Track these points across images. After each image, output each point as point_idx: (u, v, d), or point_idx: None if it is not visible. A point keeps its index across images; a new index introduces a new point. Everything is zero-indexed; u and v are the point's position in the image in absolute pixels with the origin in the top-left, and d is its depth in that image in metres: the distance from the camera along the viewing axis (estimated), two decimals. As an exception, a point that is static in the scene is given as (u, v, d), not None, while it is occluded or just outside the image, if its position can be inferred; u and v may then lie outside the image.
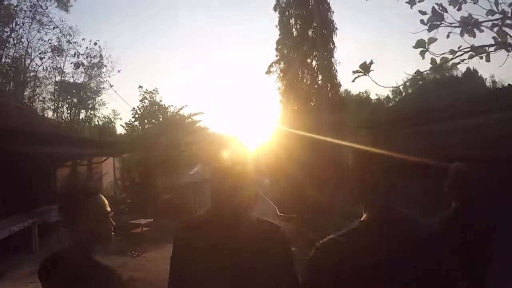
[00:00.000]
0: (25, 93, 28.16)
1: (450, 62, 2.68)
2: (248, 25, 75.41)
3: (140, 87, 18.89)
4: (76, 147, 13.29)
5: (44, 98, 29.65)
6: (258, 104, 68.57)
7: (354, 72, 2.66)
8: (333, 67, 15.92)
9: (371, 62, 2.63)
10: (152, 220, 13.68)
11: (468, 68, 33.77)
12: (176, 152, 18.23)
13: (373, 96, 38.56)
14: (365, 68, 2.63)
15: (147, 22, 66.07)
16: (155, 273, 8.80)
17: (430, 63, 2.68)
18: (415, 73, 2.83)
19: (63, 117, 30.62)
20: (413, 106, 13.14)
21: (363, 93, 37.82)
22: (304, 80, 16.70)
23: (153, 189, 17.67)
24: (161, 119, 18.34)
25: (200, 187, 26.85)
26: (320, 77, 16.00)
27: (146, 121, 18.22)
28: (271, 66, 19.33)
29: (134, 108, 18.21)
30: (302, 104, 16.47)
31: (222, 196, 1.66)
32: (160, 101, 19.34)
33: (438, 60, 2.69)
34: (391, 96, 39.88)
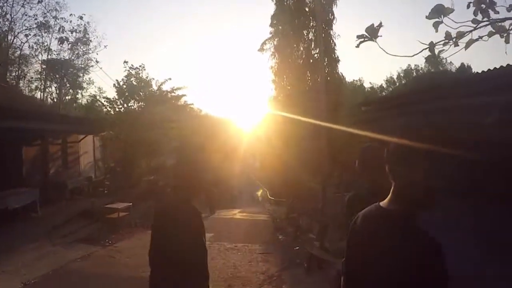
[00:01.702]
0: (13, 73, 26.88)
1: (467, 38, 2.28)
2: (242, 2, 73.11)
3: (125, 62, 17.28)
4: (47, 123, 11.77)
5: (32, 78, 28.86)
6: (249, 85, 67.43)
7: (358, 37, 2.29)
8: (332, 41, 14.40)
9: (380, 25, 2.24)
10: (131, 204, 12.38)
11: (462, 64, 33.76)
12: (160, 131, 16.80)
13: (367, 85, 38.22)
14: (372, 32, 2.25)
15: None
16: (122, 268, 7.59)
17: (445, 37, 2.30)
18: (429, 44, 2.33)
19: (51, 97, 29.48)
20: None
21: (357, 80, 37.23)
22: (299, 54, 15.17)
23: (137, 170, 16.25)
24: (141, 94, 16.68)
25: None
26: (316, 51, 14.46)
27: (127, 94, 16.58)
28: (264, 43, 18.21)
29: (114, 83, 16.65)
30: (296, 82, 15.01)
31: (182, 181, 2.51)
32: (147, 77, 17.82)
33: (454, 35, 2.32)
34: (384, 86, 39.53)
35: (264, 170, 24.81)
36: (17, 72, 28.03)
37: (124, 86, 16.56)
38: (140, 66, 17.62)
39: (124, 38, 61.37)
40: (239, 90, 79.57)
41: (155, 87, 17.44)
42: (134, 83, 16.72)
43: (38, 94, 29.13)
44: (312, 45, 14.61)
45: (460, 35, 2.27)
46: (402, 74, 41.88)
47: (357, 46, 2.32)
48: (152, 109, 16.36)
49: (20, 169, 11.57)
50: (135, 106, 16.68)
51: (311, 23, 14.45)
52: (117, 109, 16.65)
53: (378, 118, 8.26)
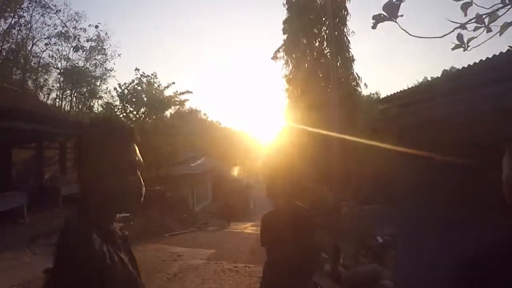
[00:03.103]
0: (36, 81, 28.04)
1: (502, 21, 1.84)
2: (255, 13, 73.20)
3: (137, 69, 16.50)
4: (42, 125, 11.03)
5: (52, 86, 29.48)
6: (265, 96, 66.96)
7: (374, 17, 1.90)
8: (345, 38, 13.20)
9: (400, 0, 1.80)
10: (128, 214, 11.37)
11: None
12: (165, 139, 15.91)
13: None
14: (391, 10, 1.82)
15: (148, 5, 64.39)
16: None
17: (476, 21, 1.85)
18: (459, 27, 1.85)
19: (71, 106, 29.73)
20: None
21: (373, 94, 36.05)
22: (311, 53, 14.08)
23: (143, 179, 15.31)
24: (144, 99, 15.76)
25: (200, 179, 25.00)
26: (329, 50, 13.36)
27: (129, 98, 15.73)
28: (277, 51, 17.56)
29: (115, 87, 15.91)
30: (309, 88, 13.90)
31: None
32: (158, 85, 17.00)
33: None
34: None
35: (273, 183, 24.09)
36: (36, 81, 28.77)
37: (126, 91, 15.80)
38: (152, 74, 16.86)
39: (138, 48, 62.08)
40: (255, 102, 79.84)
41: (156, 86, 16.47)
42: (139, 88, 15.90)
43: (58, 103, 29.63)
44: (324, 44, 13.48)
45: (494, 18, 1.89)
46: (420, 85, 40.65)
47: (373, 27, 2.03)
48: (155, 115, 15.54)
49: (8, 172, 10.85)
50: (139, 112, 15.80)
51: (323, 19, 13.39)
52: (117, 114, 15.91)
53: (400, 115, 7.16)
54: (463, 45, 1.89)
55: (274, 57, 17.92)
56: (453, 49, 1.92)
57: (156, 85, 16.73)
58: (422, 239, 6.18)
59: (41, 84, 29.17)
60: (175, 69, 63.70)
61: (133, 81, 15.86)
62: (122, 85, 15.83)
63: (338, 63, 11.52)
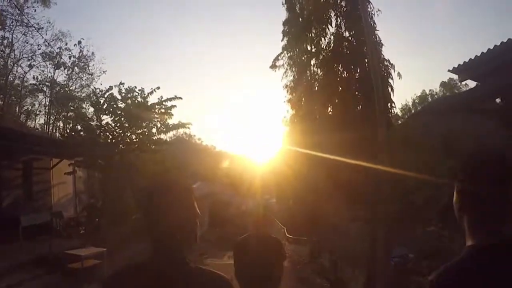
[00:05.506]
0: (20, 106, 26.96)
1: None
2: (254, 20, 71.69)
3: (122, 83, 14.06)
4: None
5: (39, 111, 28.43)
6: (263, 115, 65.25)
7: None
8: (369, 18, 10.94)
9: None
10: (105, 250, 9.10)
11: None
12: (153, 157, 13.61)
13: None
14: None
15: (135, 19, 62.50)
16: None
17: None
18: None
19: (60, 131, 28.06)
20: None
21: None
22: (325, 44, 12.04)
23: (122, 206, 12.78)
24: (121, 107, 13.27)
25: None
26: (348, 33, 11.28)
27: (106, 106, 13.33)
28: (276, 59, 16.14)
29: (89, 93, 13.75)
30: (319, 90, 11.93)
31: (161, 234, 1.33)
32: (141, 93, 14.49)
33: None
34: (400, 114, 38.22)
35: (279, 206, 22.32)
36: (19, 104, 27.29)
37: (102, 100, 13.52)
38: (139, 90, 14.32)
39: (124, 64, 59.50)
40: (252, 121, 77.79)
41: (139, 99, 13.85)
42: (118, 96, 13.50)
43: (45, 128, 28.00)
44: (343, 28, 11.27)
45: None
46: (417, 101, 41.59)
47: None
48: (138, 127, 13.27)
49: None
50: (118, 124, 13.35)
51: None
52: (92, 128, 13.55)
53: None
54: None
55: (273, 66, 16.36)
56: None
57: (138, 95, 14.21)
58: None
59: (28, 109, 27.91)
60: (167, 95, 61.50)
61: (110, 87, 13.45)
62: (98, 92, 13.55)
63: (364, 49, 9.39)
